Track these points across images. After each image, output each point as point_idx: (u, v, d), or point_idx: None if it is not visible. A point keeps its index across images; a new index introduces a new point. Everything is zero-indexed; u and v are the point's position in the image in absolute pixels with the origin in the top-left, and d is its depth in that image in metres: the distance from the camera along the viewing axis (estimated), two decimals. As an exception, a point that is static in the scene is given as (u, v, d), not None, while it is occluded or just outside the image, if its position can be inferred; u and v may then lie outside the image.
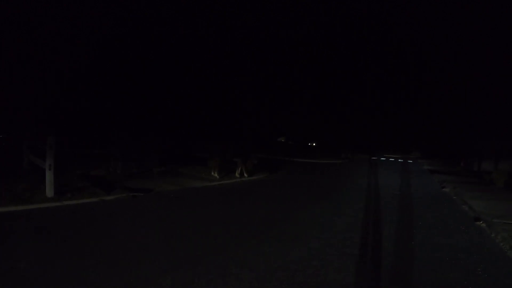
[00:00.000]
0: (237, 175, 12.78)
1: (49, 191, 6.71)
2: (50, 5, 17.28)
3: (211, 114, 27.87)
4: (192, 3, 26.82)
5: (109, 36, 20.26)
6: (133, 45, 21.63)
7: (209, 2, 28.32)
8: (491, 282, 3.79)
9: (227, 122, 29.85)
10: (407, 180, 14.74)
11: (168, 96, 23.92)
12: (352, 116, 47.08)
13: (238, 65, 30.45)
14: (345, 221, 6.30)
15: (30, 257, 3.80)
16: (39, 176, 7.38)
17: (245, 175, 12.92)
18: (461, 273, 3.98)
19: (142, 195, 7.92)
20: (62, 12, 17.51)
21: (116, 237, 4.73)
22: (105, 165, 10.73)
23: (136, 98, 21.70)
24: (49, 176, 6.72)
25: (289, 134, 51.71)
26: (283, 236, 5.15)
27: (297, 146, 41.21)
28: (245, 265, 3.84)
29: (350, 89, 43.97)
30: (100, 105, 19.67)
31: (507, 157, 18.17)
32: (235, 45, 29.85)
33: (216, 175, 12.06)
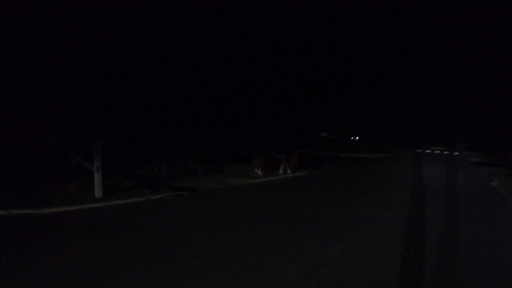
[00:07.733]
0: (280, 171, 12.45)
1: (98, 192, 6.83)
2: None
3: (252, 111, 27.64)
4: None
5: (154, 37, 20.69)
6: (173, 45, 21.99)
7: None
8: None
9: (268, 119, 29.49)
10: (453, 173, 13.87)
11: (209, 95, 24.10)
12: (394, 109, 44.82)
13: (280, 60, 29.93)
14: (388, 217, 6.08)
15: (82, 254, 3.90)
16: (88, 178, 7.53)
17: (289, 171, 12.55)
18: (508, 271, 3.73)
19: (187, 194, 7.84)
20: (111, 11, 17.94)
21: (163, 234, 4.74)
22: (150, 166, 10.88)
23: (177, 98, 22.08)
24: (97, 178, 6.85)
25: (331, 128, 50.47)
26: (326, 232, 5.05)
27: (339, 141, 40.12)
28: (288, 261, 3.83)
29: (391, 81, 41.74)
30: (144, 107, 20.22)
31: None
32: (278, 39, 29.30)
33: (259, 172, 11.81)
